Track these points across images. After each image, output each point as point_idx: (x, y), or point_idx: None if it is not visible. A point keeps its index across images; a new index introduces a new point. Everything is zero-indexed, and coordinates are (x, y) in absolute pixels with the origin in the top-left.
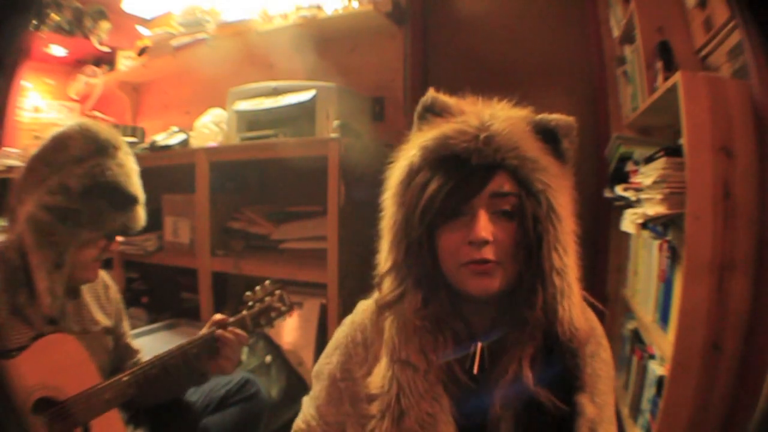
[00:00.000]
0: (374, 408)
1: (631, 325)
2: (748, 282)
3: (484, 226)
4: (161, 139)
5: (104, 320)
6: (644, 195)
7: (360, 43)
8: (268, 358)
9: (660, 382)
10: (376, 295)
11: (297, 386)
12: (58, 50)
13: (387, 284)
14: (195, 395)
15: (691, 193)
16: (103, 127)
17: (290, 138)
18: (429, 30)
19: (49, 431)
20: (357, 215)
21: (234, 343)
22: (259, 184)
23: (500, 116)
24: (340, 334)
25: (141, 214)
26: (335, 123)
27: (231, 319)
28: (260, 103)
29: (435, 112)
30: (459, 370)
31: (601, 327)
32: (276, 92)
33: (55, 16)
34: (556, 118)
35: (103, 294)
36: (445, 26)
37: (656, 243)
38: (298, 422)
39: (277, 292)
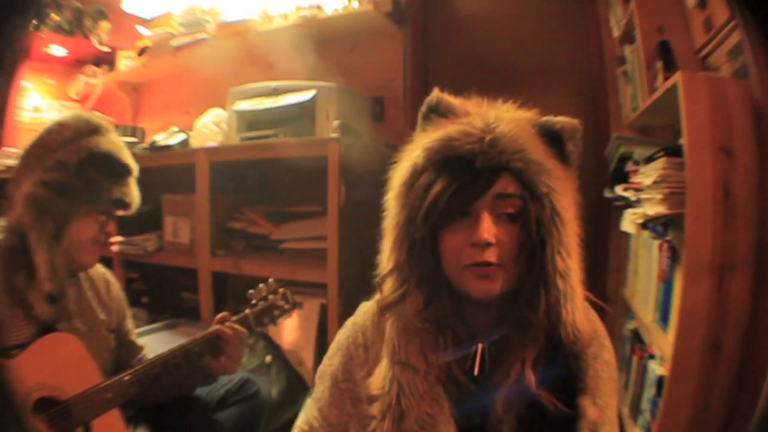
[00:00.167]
0: (375, 409)
1: (631, 325)
2: (748, 282)
3: (487, 229)
4: (161, 139)
5: (106, 317)
6: (644, 195)
7: (360, 43)
8: (268, 358)
9: (660, 382)
10: (377, 296)
11: (297, 386)
12: (58, 50)
13: (389, 285)
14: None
15: (691, 193)
16: (94, 113)
17: (290, 138)
18: (429, 30)
19: (49, 431)
20: (357, 215)
21: (233, 339)
22: (259, 184)
23: (505, 118)
24: (341, 336)
25: (135, 189)
26: (335, 123)
27: (234, 317)
28: (260, 103)
29: (439, 112)
30: (459, 372)
31: (603, 328)
32: (276, 92)
33: (55, 16)
34: (560, 120)
35: (104, 291)
36: (445, 26)
37: (656, 243)
38: (300, 423)
39: (281, 290)
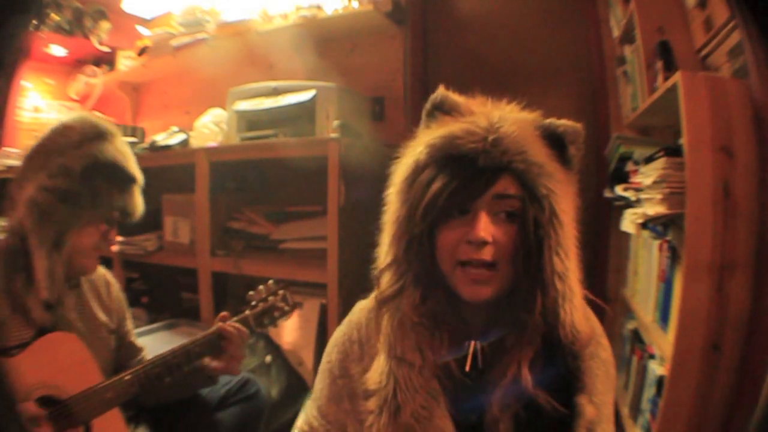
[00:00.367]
0: (372, 403)
1: (631, 325)
2: (748, 282)
3: (485, 227)
4: (161, 139)
5: (106, 318)
6: (644, 195)
7: (360, 43)
8: (268, 358)
9: (660, 382)
10: (375, 291)
11: (297, 386)
12: (58, 50)
13: (386, 279)
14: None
15: (691, 193)
16: (100, 117)
17: (290, 138)
18: (429, 30)
19: (49, 430)
20: (357, 215)
21: (235, 338)
22: (259, 184)
23: (509, 119)
24: (338, 333)
25: (139, 199)
26: (335, 123)
27: (234, 318)
28: (260, 103)
29: (444, 110)
30: (455, 367)
31: (600, 326)
32: (276, 92)
33: (55, 16)
34: (564, 124)
35: (105, 292)
36: (445, 26)
37: (656, 243)
38: (300, 424)
39: (281, 291)
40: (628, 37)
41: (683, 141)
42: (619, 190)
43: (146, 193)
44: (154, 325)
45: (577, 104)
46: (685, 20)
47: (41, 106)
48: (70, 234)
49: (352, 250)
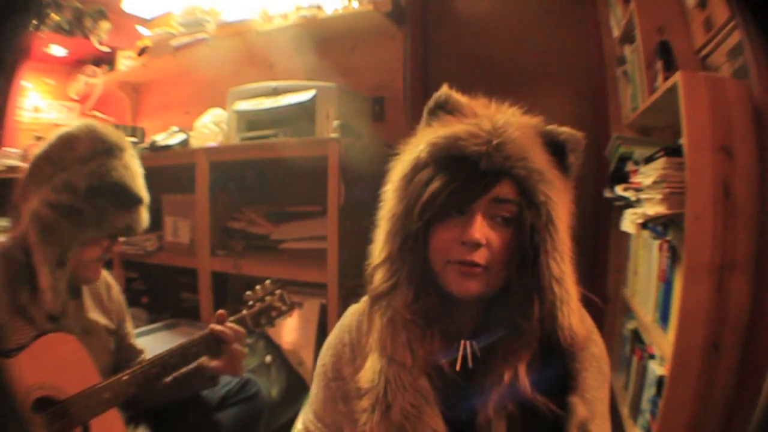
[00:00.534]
0: (365, 402)
1: (631, 325)
2: (748, 282)
3: (479, 229)
4: (161, 139)
5: (106, 320)
6: (644, 195)
7: (360, 43)
8: (268, 358)
9: (660, 382)
10: (368, 287)
11: (297, 386)
12: (58, 50)
13: (379, 275)
14: None
15: (691, 193)
16: (110, 129)
17: (290, 138)
18: (429, 30)
19: (48, 430)
20: (357, 215)
21: (232, 339)
22: (259, 184)
23: (513, 123)
24: (330, 337)
25: (144, 216)
26: (335, 123)
27: (231, 318)
28: (260, 103)
29: (446, 109)
30: (446, 366)
31: (592, 322)
32: (276, 92)
33: (55, 16)
34: (565, 131)
35: (105, 294)
36: (445, 26)
37: (656, 243)
38: (297, 429)
39: (278, 291)
40: (628, 37)
41: (683, 141)
42: (619, 190)
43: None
44: (154, 325)
45: (578, 104)
46: (685, 20)
47: (41, 106)
48: (74, 251)
49: (352, 250)
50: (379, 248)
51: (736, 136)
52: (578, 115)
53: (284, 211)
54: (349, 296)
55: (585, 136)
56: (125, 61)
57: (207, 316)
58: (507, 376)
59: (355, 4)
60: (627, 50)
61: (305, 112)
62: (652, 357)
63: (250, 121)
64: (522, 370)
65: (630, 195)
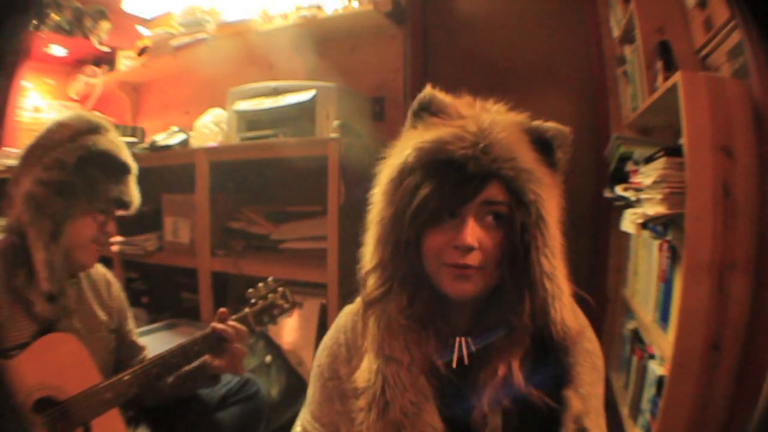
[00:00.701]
0: (362, 401)
1: (631, 325)
2: (748, 282)
3: (471, 233)
4: (161, 139)
5: (106, 318)
6: (644, 195)
7: (360, 43)
8: (268, 358)
9: (660, 382)
10: (361, 292)
11: (297, 386)
12: (58, 50)
13: (372, 281)
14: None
15: (691, 193)
16: (94, 113)
17: (290, 138)
18: (429, 30)
19: (49, 431)
20: (357, 215)
21: (234, 337)
22: (259, 184)
23: (499, 123)
24: (326, 338)
25: (134, 188)
26: (335, 123)
27: (233, 316)
28: (260, 103)
29: (431, 111)
30: (442, 365)
31: (585, 319)
32: (276, 92)
33: (55, 16)
34: (552, 127)
35: (105, 291)
36: (445, 26)
37: (656, 243)
38: (297, 429)
39: (280, 289)
40: (628, 37)
41: (683, 141)
42: (619, 190)
43: (146, 193)
44: (154, 325)
45: (577, 104)
46: (685, 20)
47: (41, 106)
48: (67, 225)
49: (352, 250)
50: (370, 253)
51: (736, 136)
52: (578, 115)
53: (284, 211)
54: (349, 296)
55: (572, 131)
56: (125, 61)
57: (207, 316)
58: (501, 372)
59: (355, 4)
60: (627, 50)
61: (305, 112)
62: (652, 357)
63: (250, 121)
64: (515, 365)
65: (630, 195)
